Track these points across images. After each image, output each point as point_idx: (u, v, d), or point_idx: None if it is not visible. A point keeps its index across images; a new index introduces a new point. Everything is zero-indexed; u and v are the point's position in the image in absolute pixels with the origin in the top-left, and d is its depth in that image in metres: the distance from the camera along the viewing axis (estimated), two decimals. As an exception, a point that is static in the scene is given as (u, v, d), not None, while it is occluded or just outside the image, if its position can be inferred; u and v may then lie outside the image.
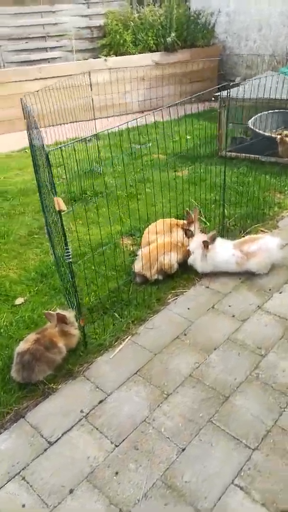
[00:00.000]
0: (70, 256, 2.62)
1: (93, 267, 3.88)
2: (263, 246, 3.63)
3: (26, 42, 9.79)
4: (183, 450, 2.31)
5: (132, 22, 9.63)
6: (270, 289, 3.53)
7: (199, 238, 3.70)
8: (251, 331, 3.10)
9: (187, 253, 3.74)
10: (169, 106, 3.53)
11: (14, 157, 7.55)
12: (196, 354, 2.93)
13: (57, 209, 2.39)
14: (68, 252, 2.60)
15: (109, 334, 3.13)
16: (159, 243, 3.65)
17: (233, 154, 6.43)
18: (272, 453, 2.25)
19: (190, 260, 3.71)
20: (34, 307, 3.52)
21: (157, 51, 9.81)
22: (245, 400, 2.56)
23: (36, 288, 3.79)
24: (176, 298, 3.51)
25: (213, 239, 3.65)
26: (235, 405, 2.54)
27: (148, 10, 9.85)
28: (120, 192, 5.58)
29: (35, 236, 4.69)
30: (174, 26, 9.62)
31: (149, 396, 2.64)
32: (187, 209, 3.87)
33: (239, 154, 6.35)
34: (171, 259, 3.60)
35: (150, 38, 9.64)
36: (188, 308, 3.38)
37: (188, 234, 3.72)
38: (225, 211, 4.74)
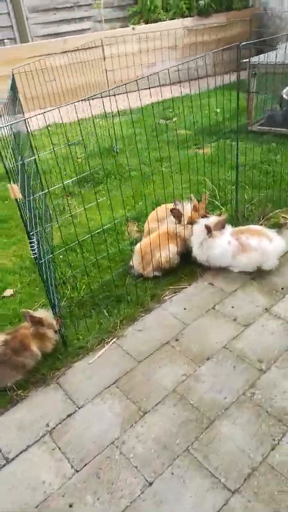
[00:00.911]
0: (35, 251, 2.29)
1: (91, 256, 3.57)
2: (262, 246, 3.08)
3: (54, 14, 9.38)
4: (150, 484, 1.97)
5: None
6: (282, 289, 3.04)
7: (202, 222, 3.27)
8: (253, 339, 2.66)
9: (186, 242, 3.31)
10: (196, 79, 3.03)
11: (35, 136, 7.32)
12: (185, 364, 2.55)
13: (12, 197, 2.06)
14: (33, 246, 2.27)
15: (93, 335, 2.81)
16: (154, 237, 3.24)
17: (264, 128, 5.78)
18: (254, 499, 1.87)
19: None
20: (22, 299, 3.28)
21: (190, 16, 9.04)
22: (232, 427, 2.17)
23: (29, 278, 3.54)
24: (174, 295, 3.11)
25: (221, 226, 3.18)
26: (220, 432, 2.15)
27: None
28: (135, 172, 5.18)
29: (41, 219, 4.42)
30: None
31: (124, 413, 2.31)
32: (191, 195, 3.40)
33: (270, 128, 5.69)
34: (169, 253, 3.19)
35: (182, 1, 8.88)
36: (185, 308, 2.98)
37: (175, 213, 3.27)
38: (245, 194, 4.23)
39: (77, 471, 2.07)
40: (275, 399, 2.27)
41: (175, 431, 2.18)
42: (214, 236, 3.13)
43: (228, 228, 3.26)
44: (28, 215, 2.39)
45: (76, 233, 3.73)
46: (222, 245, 3.14)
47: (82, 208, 4.35)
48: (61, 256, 3.68)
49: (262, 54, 5.95)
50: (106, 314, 2.98)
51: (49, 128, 6.97)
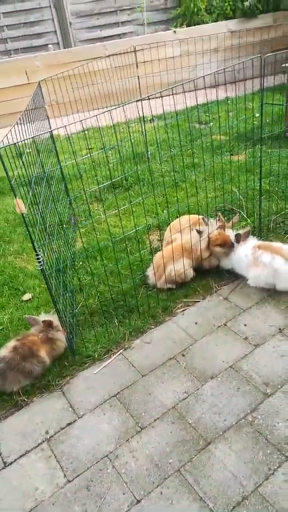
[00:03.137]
0: (42, 263, 2.35)
1: (109, 264, 3.61)
2: (274, 264, 2.96)
3: (97, 19, 9.55)
4: (138, 502, 1.97)
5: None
6: (300, 308, 2.92)
7: (230, 232, 3.27)
8: (261, 360, 2.58)
9: (206, 257, 3.27)
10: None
11: (72, 139, 7.49)
12: (188, 381, 2.52)
13: (18, 211, 2.13)
14: (38, 257, 2.34)
15: (101, 344, 2.85)
16: (167, 250, 3.22)
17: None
18: (240, 530, 1.81)
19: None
20: (39, 304, 3.38)
21: (235, 18, 8.86)
22: (228, 451, 2.11)
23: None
24: (186, 309, 3.08)
25: (245, 237, 3.20)
26: (214, 455, 2.11)
27: None
28: (166, 178, 5.16)
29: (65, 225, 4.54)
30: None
31: (121, 426, 2.32)
32: (219, 213, 3.37)
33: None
34: (183, 267, 3.16)
35: (226, 3, 8.72)
36: (196, 323, 2.94)
37: (200, 233, 3.24)
38: (273, 205, 4.10)
39: (69, 481, 2.11)
40: (277, 426, 2.19)
41: (169, 450, 2.16)
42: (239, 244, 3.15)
43: (252, 240, 3.21)
44: (38, 227, 2.46)
45: (98, 240, 3.80)
46: (240, 253, 3.11)
47: (107, 215, 4.45)
48: (80, 263, 3.75)
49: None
50: (117, 324, 3.01)
51: (86, 132, 7.13)
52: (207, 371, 2.56)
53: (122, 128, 6.41)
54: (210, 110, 7.36)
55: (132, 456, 2.17)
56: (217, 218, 3.38)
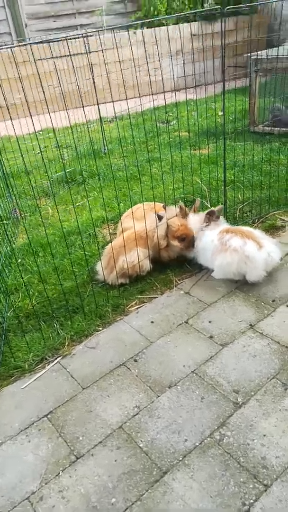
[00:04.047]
0: None
1: (53, 260, 3.07)
2: (246, 250, 2.50)
3: (54, 21, 9.19)
4: None
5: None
6: (273, 301, 2.47)
7: (197, 216, 2.82)
8: (230, 362, 2.09)
9: (164, 247, 2.79)
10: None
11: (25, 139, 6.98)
12: (141, 392, 1.99)
13: None
14: None
15: (34, 352, 2.29)
16: (119, 239, 2.74)
17: (269, 129, 5.26)
18: None
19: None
20: None
21: (195, 21, 8.71)
22: (189, 482, 1.59)
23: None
24: (141, 307, 2.57)
25: (219, 212, 2.80)
26: (171, 489, 1.58)
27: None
28: (121, 173, 4.72)
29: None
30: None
31: (51, 456, 1.76)
32: (180, 203, 2.91)
33: (274, 128, 5.18)
34: (137, 257, 2.67)
35: (186, 6, 8.58)
36: (152, 322, 2.43)
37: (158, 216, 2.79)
38: (239, 194, 3.71)
39: (-27, 539, 1.52)
40: (251, 445, 1.69)
41: (112, 486, 1.62)
42: (208, 227, 2.69)
43: (223, 224, 2.77)
44: None
45: (46, 232, 3.27)
46: (207, 238, 2.65)
47: (55, 210, 3.93)
48: (19, 260, 3.19)
49: (265, 50, 5.50)
50: (56, 327, 2.46)
51: (41, 132, 6.61)
52: (164, 379, 2.05)
53: (80, 129, 5.97)
54: (172, 110, 7.07)
55: (61, 497, 1.60)
56: (178, 206, 2.92)
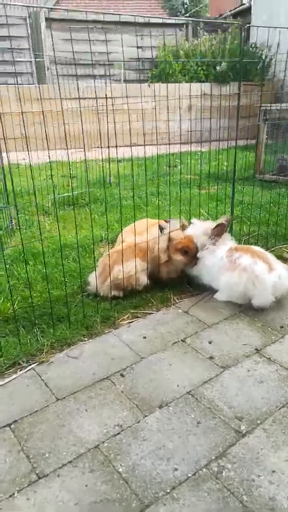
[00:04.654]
0: None
1: (44, 270, 2.83)
2: (255, 270, 2.28)
3: (74, 69, 9.66)
4: None
5: (182, 51, 9.21)
6: (282, 327, 2.21)
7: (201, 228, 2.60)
8: (232, 387, 1.79)
9: (165, 262, 2.57)
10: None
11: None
12: (125, 410, 1.67)
13: None
14: None
15: (5, 356, 1.98)
16: (116, 248, 2.54)
17: (276, 177, 5.27)
18: None
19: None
20: None
21: (207, 82, 9.20)
22: (177, 521, 1.25)
23: None
24: (134, 321, 2.30)
25: (222, 229, 2.53)
26: (153, 527, 1.23)
27: (203, 39, 9.40)
28: (125, 201, 4.62)
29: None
30: (227, 56, 9.02)
31: (7, 473, 1.41)
32: (182, 217, 2.76)
33: (281, 177, 5.18)
34: (134, 268, 2.44)
35: (200, 68, 9.08)
36: (145, 337, 2.15)
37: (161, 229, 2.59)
38: (245, 227, 3.57)
39: None
40: (257, 482, 1.36)
41: (78, 517, 1.26)
42: (215, 244, 2.45)
43: (230, 241, 2.56)
44: None
45: (42, 243, 3.05)
46: (215, 256, 2.42)
47: (52, 226, 3.76)
48: (7, 266, 2.94)
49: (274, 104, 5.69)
50: (37, 333, 2.17)
51: (49, 163, 6.60)
52: (155, 398, 1.74)
53: (89, 163, 6.00)
54: (180, 157, 7.19)
55: (12, 525, 1.24)
56: (181, 221, 2.75)
